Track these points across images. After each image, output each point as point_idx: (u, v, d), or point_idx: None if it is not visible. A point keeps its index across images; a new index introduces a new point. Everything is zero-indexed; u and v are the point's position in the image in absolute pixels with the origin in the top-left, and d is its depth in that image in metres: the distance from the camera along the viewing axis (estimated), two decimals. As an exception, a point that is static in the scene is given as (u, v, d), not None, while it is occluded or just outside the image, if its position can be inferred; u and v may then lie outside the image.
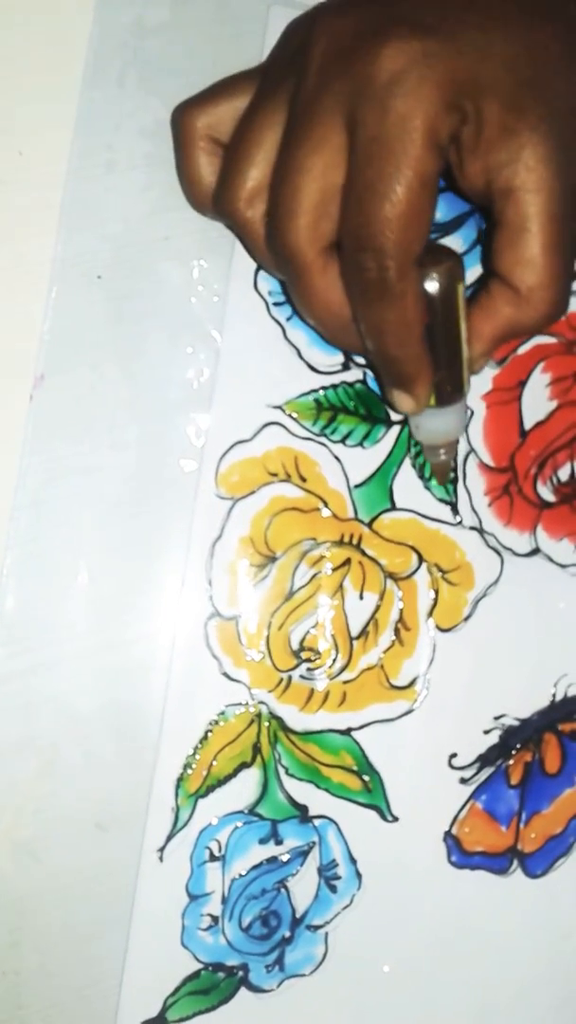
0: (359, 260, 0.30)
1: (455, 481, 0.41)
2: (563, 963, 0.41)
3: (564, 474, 0.41)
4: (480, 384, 0.41)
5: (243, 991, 0.38)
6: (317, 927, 0.39)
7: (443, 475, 0.38)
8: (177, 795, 0.38)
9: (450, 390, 0.33)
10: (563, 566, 0.41)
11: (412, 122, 0.29)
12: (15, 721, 0.37)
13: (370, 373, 0.40)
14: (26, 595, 0.37)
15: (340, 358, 0.39)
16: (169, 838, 0.38)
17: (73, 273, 0.37)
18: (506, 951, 0.40)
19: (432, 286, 0.32)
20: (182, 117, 0.35)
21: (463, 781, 0.40)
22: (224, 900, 0.38)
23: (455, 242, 0.40)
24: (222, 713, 0.38)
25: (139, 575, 0.38)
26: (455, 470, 0.41)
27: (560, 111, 0.30)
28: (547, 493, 0.41)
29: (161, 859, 0.38)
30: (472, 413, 0.41)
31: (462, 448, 0.41)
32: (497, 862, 0.40)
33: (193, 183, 0.35)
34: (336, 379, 0.39)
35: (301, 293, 0.33)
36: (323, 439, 0.39)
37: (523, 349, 0.41)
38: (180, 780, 0.38)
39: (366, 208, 0.29)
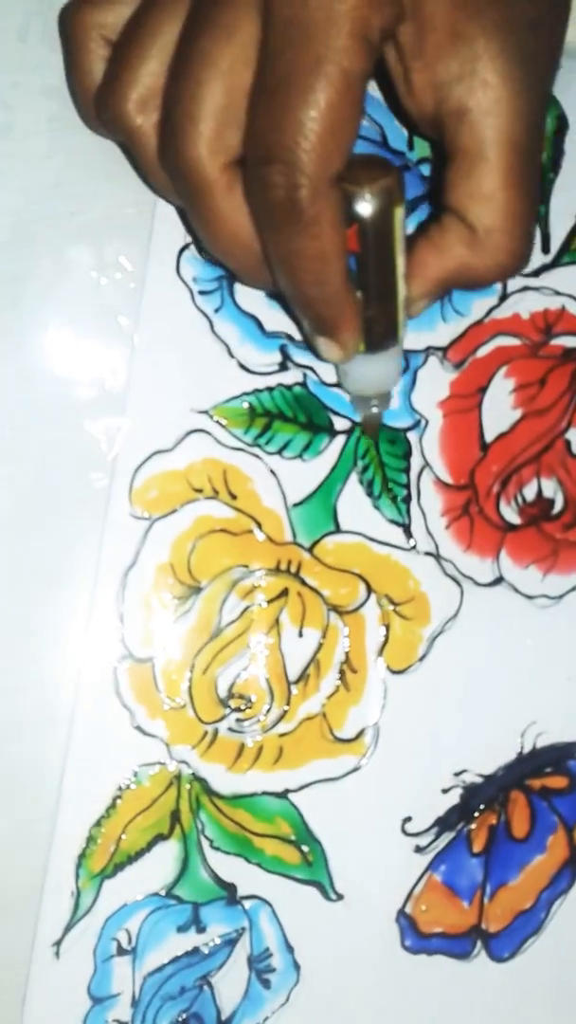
0: (265, 175, 0.25)
1: (408, 500, 0.35)
2: (534, 1060, 0.36)
3: (530, 492, 0.36)
4: (436, 390, 0.36)
5: None
6: (247, 1031, 0.33)
7: (373, 431, 0.34)
8: (78, 876, 0.32)
9: (382, 334, 0.29)
10: (530, 597, 0.36)
11: (338, 6, 0.24)
12: None
13: (311, 375, 0.34)
14: None
15: (277, 357, 0.34)
16: (67, 929, 0.32)
17: None
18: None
19: (364, 208, 0.27)
20: (72, 14, 0.29)
21: (419, 850, 0.35)
22: (135, 1002, 0.33)
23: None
24: (134, 775, 0.33)
25: (36, 609, 0.33)
26: (408, 487, 0.35)
27: (519, 20, 0.26)
28: (511, 514, 0.36)
29: (57, 955, 0.32)
30: (427, 423, 0.36)
31: (416, 464, 0.36)
32: (458, 944, 0.36)
33: (83, 89, 0.30)
34: (272, 380, 0.35)
35: (202, 218, 0.28)
36: (256, 450, 0.34)
37: (483, 351, 0.37)
38: (82, 857, 0.32)
39: (275, 109, 0.24)
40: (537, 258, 0.38)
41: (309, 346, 0.32)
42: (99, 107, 0.29)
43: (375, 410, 0.33)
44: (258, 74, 0.25)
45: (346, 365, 0.31)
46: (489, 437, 0.37)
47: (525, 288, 0.38)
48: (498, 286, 0.37)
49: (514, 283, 0.38)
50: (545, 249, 0.38)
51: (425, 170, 0.36)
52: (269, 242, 0.27)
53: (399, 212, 0.27)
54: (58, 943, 0.32)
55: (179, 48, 0.26)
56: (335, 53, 0.24)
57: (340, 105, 0.24)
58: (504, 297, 0.37)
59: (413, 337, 0.36)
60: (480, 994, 0.36)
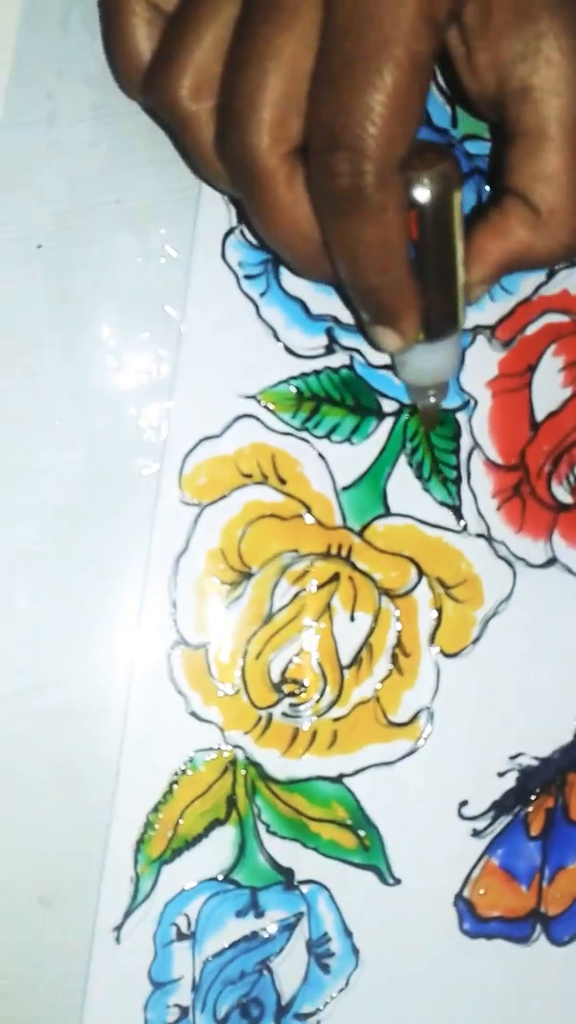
0: (330, 162, 0.25)
1: (458, 481, 0.35)
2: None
3: None
4: (484, 370, 0.36)
5: None
6: (307, 1015, 0.34)
7: (430, 422, 0.33)
8: (137, 861, 0.32)
9: (442, 322, 0.28)
10: None
11: None
12: None
13: (358, 358, 0.34)
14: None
15: (323, 340, 0.34)
16: (127, 914, 0.32)
17: (8, 242, 0.32)
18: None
19: (422, 194, 0.26)
20: None
21: (475, 833, 0.35)
22: (195, 987, 0.33)
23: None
24: (190, 760, 0.33)
25: (89, 597, 0.32)
26: (457, 468, 0.35)
27: None
28: (563, 494, 0.36)
29: (118, 940, 0.32)
30: (476, 403, 0.35)
31: (465, 444, 0.35)
32: (517, 928, 0.35)
33: (125, 58, 0.29)
34: (319, 364, 0.34)
35: (262, 209, 0.27)
36: (305, 434, 0.34)
37: (532, 329, 0.36)
38: (140, 843, 0.32)
39: (341, 94, 0.24)
40: None
41: (367, 337, 0.31)
42: (148, 87, 0.28)
43: (432, 400, 0.32)
44: (321, 59, 0.24)
45: (404, 355, 0.31)
46: (539, 416, 0.37)
47: (574, 264, 0.37)
48: (546, 263, 0.37)
49: (562, 260, 0.37)
50: (593, 224, 0.37)
51: (471, 147, 0.36)
52: (331, 232, 0.26)
53: (457, 197, 0.27)
54: (118, 928, 0.32)
55: (238, 32, 0.26)
56: (402, 35, 0.23)
57: (407, 88, 0.24)
58: (552, 274, 0.37)
59: None
60: (540, 978, 0.36)
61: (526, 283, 0.37)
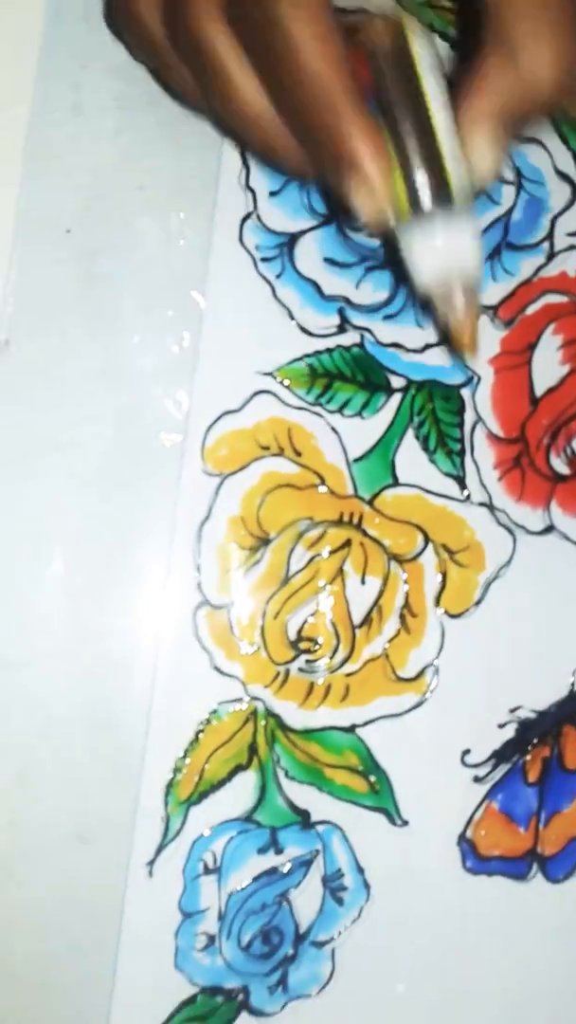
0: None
1: (462, 454, 0.37)
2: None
3: None
4: (487, 347, 0.37)
5: (244, 1015, 0.35)
6: (323, 943, 0.36)
7: (468, 341, 0.28)
8: (167, 803, 0.34)
9: (430, 193, 0.25)
10: None
11: None
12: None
13: (368, 336, 0.36)
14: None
15: (335, 319, 0.36)
16: (159, 850, 0.34)
17: (38, 228, 0.34)
18: (529, 963, 0.37)
19: (376, 35, 0.25)
20: None
21: (477, 780, 0.37)
22: (221, 917, 0.34)
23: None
24: (214, 711, 0.34)
25: (119, 561, 0.34)
26: (461, 440, 0.36)
27: None
28: (561, 465, 0.37)
29: (151, 874, 0.34)
30: (479, 379, 0.37)
31: (469, 419, 0.37)
32: (516, 867, 0.37)
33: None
34: (331, 342, 0.36)
35: (222, 91, 0.27)
36: (318, 408, 0.36)
37: (532, 309, 0.38)
38: (170, 786, 0.34)
39: None
40: None
41: (346, 213, 0.27)
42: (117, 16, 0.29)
43: (460, 305, 0.27)
44: None
45: (408, 244, 0.27)
46: (539, 392, 0.38)
47: (572, 247, 0.38)
48: (545, 246, 0.38)
49: (561, 242, 0.39)
50: (590, 207, 0.38)
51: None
52: (267, 73, 0.25)
53: (419, 51, 0.25)
54: (151, 863, 0.34)
55: None
56: None
57: None
58: (552, 256, 0.38)
59: None
60: (537, 912, 0.37)
61: (526, 265, 0.38)
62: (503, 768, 0.37)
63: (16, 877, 0.33)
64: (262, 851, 0.35)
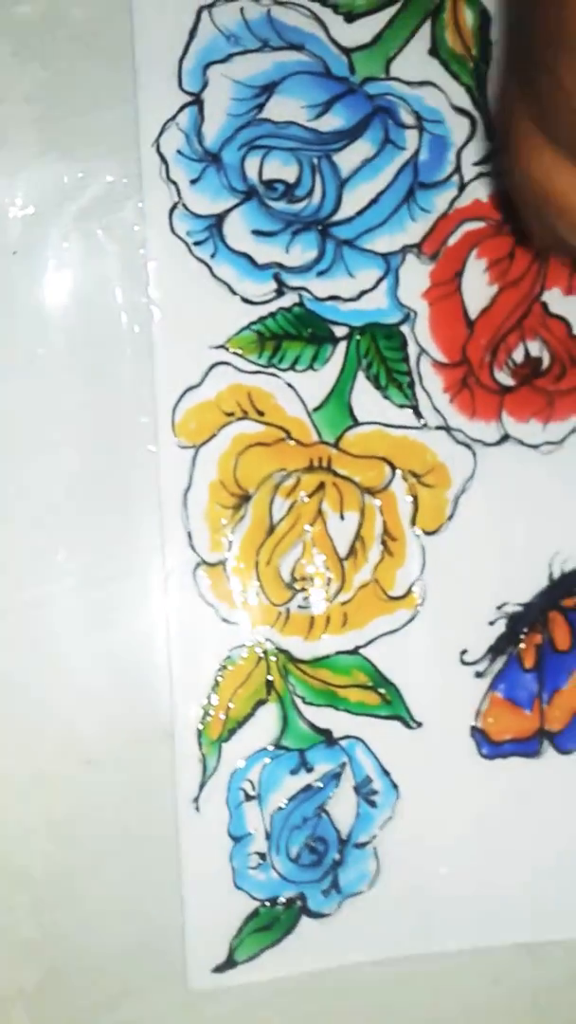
0: None
1: (412, 385, 0.40)
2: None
3: (519, 356, 0.40)
4: (418, 283, 0.40)
5: (304, 919, 0.38)
6: (364, 844, 0.39)
7: None
8: (200, 744, 0.37)
9: None
10: (535, 447, 0.40)
11: None
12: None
13: (305, 295, 0.39)
14: (5, 586, 0.36)
15: (272, 285, 0.39)
16: (201, 787, 0.38)
17: None
18: (555, 830, 0.40)
19: None
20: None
21: (479, 675, 0.40)
22: (268, 836, 0.38)
23: (364, 146, 0.39)
24: (228, 657, 0.38)
25: (118, 538, 0.37)
26: (409, 373, 0.39)
27: None
28: (505, 378, 0.40)
29: (197, 808, 0.37)
30: (415, 314, 0.40)
31: (413, 352, 0.40)
32: (528, 746, 0.40)
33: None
34: (273, 307, 0.39)
35: None
36: (272, 369, 0.39)
37: (453, 240, 0.40)
38: (201, 730, 0.38)
39: None
40: (485, 145, 0.41)
41: None
42: None
43: None
44: None
45: None
46: (473, 315, 0.40)
47: (480, 175, 0.41)
48: (455, 179, 0.41)
49: (469, 172, 0.41)
50: (491, 136, 0.41)
51: (371, 88, 0.40)
52: None
53: None
54: (196, 799, 0.37)
55: None
56: None
57: None
58: (463, 187, 0.41)
59: (388, 240, 0.40)
60: (556, 783, 0.40)
61: (440, 200, 0.41)
62: (500, 660, 0.40)
63: (83, 833, 0.37)
64: (294, 772, 0.38)
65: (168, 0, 0.38)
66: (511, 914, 0.39)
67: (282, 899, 0.38)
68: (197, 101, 0.38)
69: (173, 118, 0.38)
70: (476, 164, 0.41)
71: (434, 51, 0.40)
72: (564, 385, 0.41)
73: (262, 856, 0.38)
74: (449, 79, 0.41)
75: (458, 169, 0.40)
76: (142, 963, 0.37)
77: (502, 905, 0.40)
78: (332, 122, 0.39)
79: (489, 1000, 0.39)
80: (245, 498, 0.38)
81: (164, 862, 0.37)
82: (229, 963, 0.38)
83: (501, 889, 0.40)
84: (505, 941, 0.39)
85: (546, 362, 0.41)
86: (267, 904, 0.38)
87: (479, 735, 0.40)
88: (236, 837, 0.38)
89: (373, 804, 0.39)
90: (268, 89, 0.39)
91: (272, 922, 0.38)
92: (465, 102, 0.41)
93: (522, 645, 0.40)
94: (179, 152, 0.38)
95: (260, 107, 0.39)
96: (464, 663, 0.40)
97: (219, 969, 0.38)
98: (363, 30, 0.39)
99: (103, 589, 0.37)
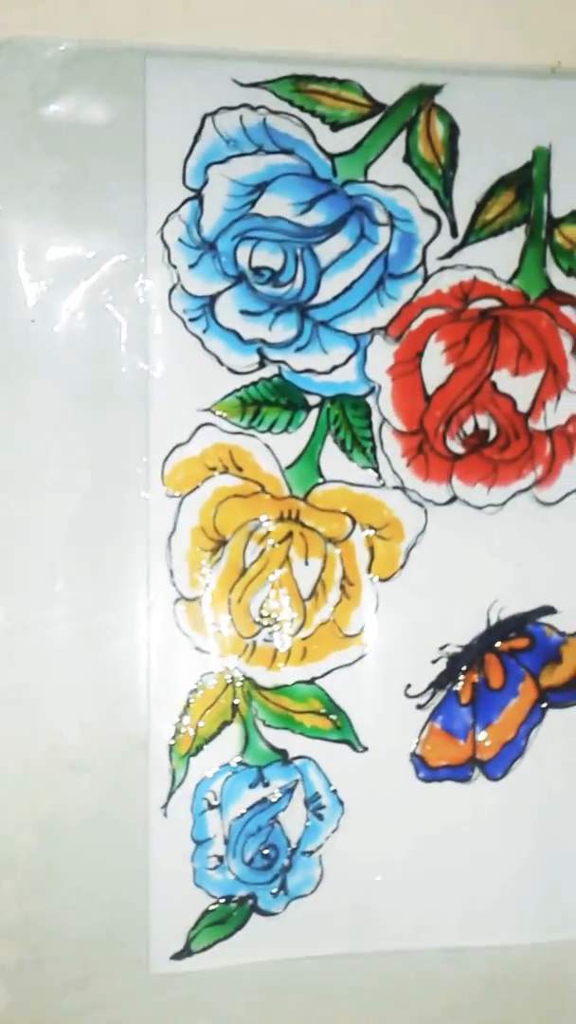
0: None
1: (374, 449, 0.44)
2: (532, 851, 0.45)
3: (469, 427, 0.45)
4: (383, 361, 0.44)
5: (254, 916, 0.42)
6: (311, 852, 0.43)
7: None
8: (171, 758, 0.41)
9: None
10: (480, 508, 0.44)
11: None
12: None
13: (284, 367, 0.43)
14: (11, 610, 0.40)
15: (256, 358, 0.43)
16: (170, 795, 0.41)
17: (8, 322, 0.41)
18: (481, 847, 0.44)
19: None
20: None
21: (420, 707, 0.44)
22: (226, 841, 0.42)
23: (341, 240, 0.44)
24: (200, 682, 0.42)
25: (109, 574, 0.41)
26: (372, 439, 0.44)
27: None
28: (456, 446, 0.44)
29: (166, 814, 0.41)
30: (380, 388, 0.44)
31: (376, 420, 0.44)
32: (460, 772, 0.44)
33: None
34: (255, 376, 0.43)
35: None
36: (252, 431, 0.43)
37: (416, 324, 0.45)
38: (172, 745, 0.41)
39: None
40: (448, 242, 0.45)
41: None
42: None
43: None
44: None
45: None
46: (430, 390, 0.45)
47: (442, 268, 0.45)
48: (420, 271, 0.46)
49: (433, 266, 0.46)
50: (454, 234, 0.45)
51: (350, 190, 0.45)
52: None
53: None
54: (165, 805, 0.41)
55: None
56: None
57: None
58: (427, 278, 0.45)
59: (358, 322, 0.44)
60: (483, 806, 0.44)
61: (406, 289, 0.45)
62: (440, 695, 0.44)
63: (59, 835, 0.42)
64: (252, 785, 0.42)
65: (176, 107, 0.42)
66: (438, 921, 0.44)
67: (236, 898, 0.43)
68: (198, 196, 0.43)
69: (176, 210, 0.42)
70: (440, 259, 0.45)
71: (407, 158, 0.44)
72: (508, 455, 0.45)
73: (220, 859, 0.42)
74: (419, 183, 0.45)
75: (423, 263, 0.45)
76: (110, 948, 0.42)
77: (430, 913, 0.44)
78: (315, 218, 0.43)
79: (414, 997, 0.44)
80: (222, 543, 0.42)
81: (134, 860, 0.41)
82: (186, 952, 0.42)
83: (430, 898, 0.44)
84: (431, 945, 0.43)
85: (493, 434, 0.45)
86: (222, 901, 0.42)
87: (418, 760, 0.44)
88: (198, 841, 0.42)
89: (321, 817, 0.43)
90: (260, 187, 0.43)
91: (226, 917, 0.43)
92: (432, 204, 0.45)
93: (460, 682, 0.44)
94: (180, 240, 0.42)
95: (253, 203, 0.43)
96: (408, 696, 0.44)
97: (177, 956, 0.42)
98: (346, 138, 0.44)
99: (93, 616, 0.41)
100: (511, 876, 0.44)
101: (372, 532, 0.43)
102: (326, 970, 0.42)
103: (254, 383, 0.42)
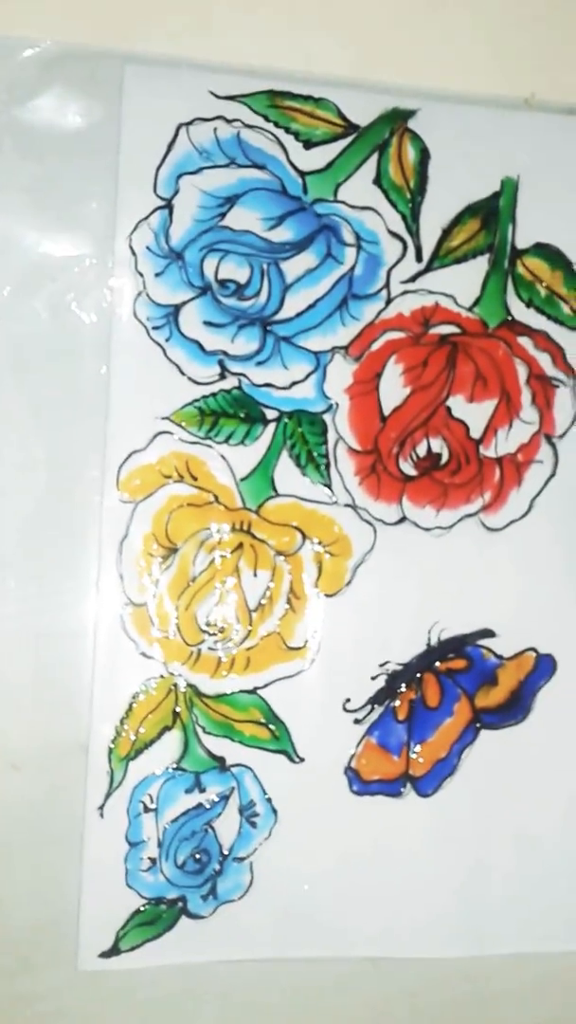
0: None
1: (328, 466, 0.45)
2: (459, 869, 0.46)
3: (422, 450, 0.45)
4: (342, 380, 0.45)
5: (183, 919, 0.43)
6: (242, 859, 0.44)
7: None
8: (110, 760, 0.42)
9: None
10: (427, 529, 0.45)
11: None
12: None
13: (244, 380, 0.44)
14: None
15: (216, 369, 0.43)
16: (107, 796, 0.42)
17: None
18: (408, 862, 0.45)
19: None
20: None
21: (357, 721, 0.45)
22: (160, 844, 0.43)
23: (308, 258, 0.44)
24: (143, 686, 0.42)
25: (59, 575, 0.42)
26: (327, 456, 0.45)
27: None
28: (408, 468, 0.45)
29: (102, 815, 0.42)
30: (337, 406, 0.45)
31: (332, 438, 0.45)
32: (392, 787, 0.45)
33: None
34: (215, 388, 0.43)
35: None
36: (209, 441, 0.43)
37: (376, 345, 0.46)
38: (112, 747, 0.42)
39: None
40: (412, 266, 0.46)
41: None
42: None
43: None
44: None
45: None
46: (387, 411, 0.46)
47: (405, 292, 0.46)
48: (383, 293, 0.46)
49: (396, 289, 0.47)
50: (419, 258, 0.46)
51: (319, 208, 0.45)
52: None
53: None
54: (101, 807, 0.42)
55: None
56: None
57: None
58: (389, 301, 0.46)
59: (320, 340, 0.45)
60: (412, 821, 0.45)
61: (368, 310, 0.46)
62: (378, 711, 0.45)
63: (2, 826, 0.42)
64: (189, 791, 0.43)
65: (152, 115, 0.43)
66: (361, 931, 0.45)
67: (166, 900, 0.43)
68: (168, 206, 0.43)
69: (146, 218, 0.43)
70: (403, 282, 0.46)
71: (377, 180, 0.45)
72: (458, 479, 0.47)
73: (153, 860, 0.43)
74: (388, 206, 0.46)
75: (387, 285, 0.46)
76: (41, 944, 0.42)
77: (354, 923, 0.45)
78: (283, 234, 0.44)
79: (334, 1004, 0.45)
80: (173, 550, 0.43)
81: (68, 858, 0.42)
82: (114, 950, 0.43)
83: (355, 909, 0.45)
84: (354, 954, 0.45)
85: (445, 458, 0.46)
86: (153, 903, 0.43)
87: (352, 774, 0.45)
88: (132, 843, 0.42)
89: (254, 825, 0.44)
90: (231, 200, 0.44)
91: (155, 919, 0.43)
92: (399, 227, 0.46)
93: (398, 700, 0.45)
94: (148, 248, 0.43)
95: (222, 215, 0.44)
96: (346, 710, 0.45)
97: (105, 955, 0.43)
98: (319, 157, 0.44)
99: (42, 616, 0.42)
100: (436, 891, 0.45)
101: (321, 548, 0.44)
102: (251, 975, 0.43)
103: (214, 394, 0.43)
